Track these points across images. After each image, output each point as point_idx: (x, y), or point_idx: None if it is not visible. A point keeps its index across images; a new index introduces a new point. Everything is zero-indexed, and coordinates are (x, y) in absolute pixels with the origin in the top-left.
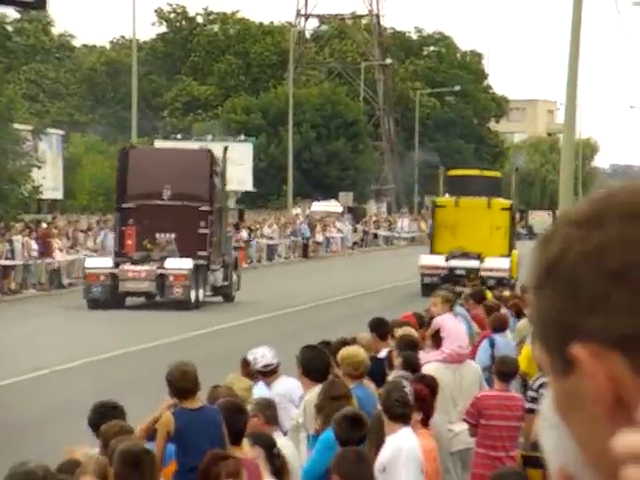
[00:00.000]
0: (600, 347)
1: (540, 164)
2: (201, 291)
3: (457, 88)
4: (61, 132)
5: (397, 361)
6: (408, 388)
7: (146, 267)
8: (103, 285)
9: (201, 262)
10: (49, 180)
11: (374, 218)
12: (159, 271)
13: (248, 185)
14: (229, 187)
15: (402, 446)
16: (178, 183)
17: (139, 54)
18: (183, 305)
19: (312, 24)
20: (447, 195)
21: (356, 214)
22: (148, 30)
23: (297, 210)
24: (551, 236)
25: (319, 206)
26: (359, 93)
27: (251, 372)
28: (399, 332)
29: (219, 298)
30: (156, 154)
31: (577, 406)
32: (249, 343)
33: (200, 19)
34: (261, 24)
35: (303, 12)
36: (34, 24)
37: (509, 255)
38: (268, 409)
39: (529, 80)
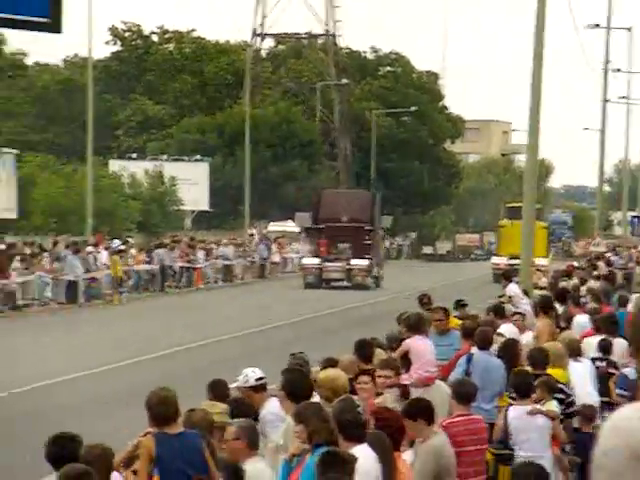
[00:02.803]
0: None
1: (494, 185)
2: (369, 279)
3: (413, 108)
4: (15, 151)
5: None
6: (361, 407)
7: (339, 264)
8: (314, 274)
9: (369, 261)
10: (2, 200)
11: None
12: (347, 266)
13: (204, 205)
14: (185, 207)
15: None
16: (351, 212)
17: (93, 73)
18: (361, 287)
19: (268, 43)
20: (506, 219)
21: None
22: (102, 49)
23: (252, 230)
24: None
25: (275, 226)
26: (315, 113)
27: (223, 394)
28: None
29: (372, 284)
30: (338, 194)
31: None
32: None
33: (155, 38)
34: (217, 43)
35: (259, 32)
36: None
37: (547, 256)
38: (253, 433)
39: (484, 101)
